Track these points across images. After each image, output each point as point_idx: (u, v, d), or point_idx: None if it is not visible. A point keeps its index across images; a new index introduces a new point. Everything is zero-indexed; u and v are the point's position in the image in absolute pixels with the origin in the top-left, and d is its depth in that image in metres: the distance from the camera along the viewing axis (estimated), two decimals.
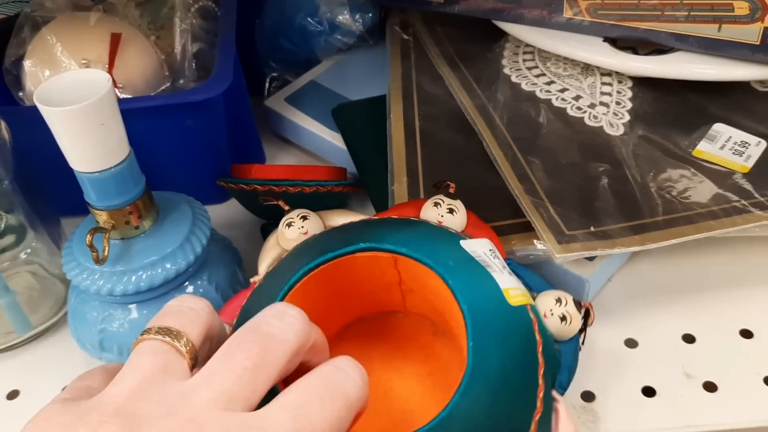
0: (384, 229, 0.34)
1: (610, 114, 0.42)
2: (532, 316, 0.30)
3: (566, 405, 0.29)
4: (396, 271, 0.33)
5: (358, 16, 0.53)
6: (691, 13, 0.40)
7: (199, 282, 0.37)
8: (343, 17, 0.53)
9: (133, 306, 0.36)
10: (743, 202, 0.36)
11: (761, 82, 0.44)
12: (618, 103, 0.43)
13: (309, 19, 0.53)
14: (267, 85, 0.54)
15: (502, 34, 0.49)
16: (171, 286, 0.36)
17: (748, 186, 0.37)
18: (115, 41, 0.44)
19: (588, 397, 0.36)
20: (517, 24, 0.46)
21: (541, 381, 0.28)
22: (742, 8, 0.39)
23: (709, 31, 0.40)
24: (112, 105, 0.31)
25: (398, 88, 0.47)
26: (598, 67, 0.46)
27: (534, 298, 0.31)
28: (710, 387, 0.36)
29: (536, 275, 0.34)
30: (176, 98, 0.42)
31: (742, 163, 0.38)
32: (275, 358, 0.22)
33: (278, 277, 0.32)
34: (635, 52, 0.44)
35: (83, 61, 0.44)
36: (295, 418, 0.20)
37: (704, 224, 0.35)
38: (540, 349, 0.29)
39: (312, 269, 0.32)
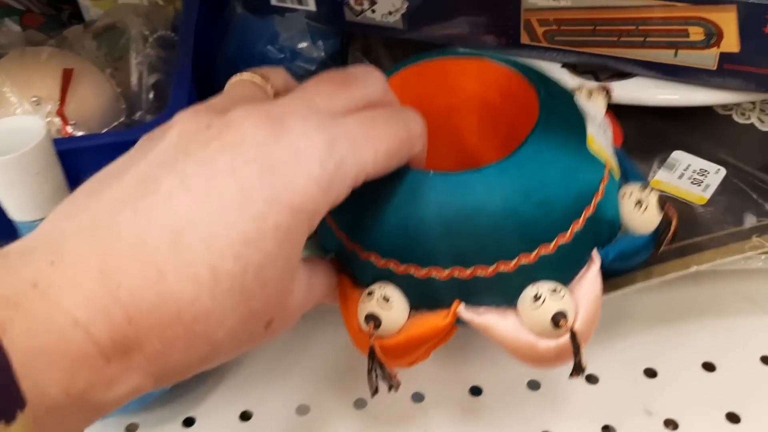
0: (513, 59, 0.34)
1: None
2: (605, 173, 0.30)
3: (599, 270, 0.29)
4: (510, 95, 0.34)
5: (319, 43, 0.53)
6: (647, 39, 0.40)
7: None
8: (304, 44, 0.52)
9: None
10: (701, 238, 0.36)
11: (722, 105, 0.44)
12: None
13: (270, 46, 0.52)
14: None
15: None
16: None
17: (705, 219, 0.37)
18: (67, 77, 0.44)
19: None
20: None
21: (582, 219, 0.28)
22: (697, 34, 0.38)
23: (665, 56, 0.40)
24: (47, 153, 0.31)
25: None
26: None
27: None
28: (671, 424, 0.35)
29: (642, 175, 0.33)
30: (126, 135, 0.41)
31: (700, 193, 0.38)
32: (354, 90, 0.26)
33: None
34: (595, 77, 0.43)
35: (33, 99, 0.43)
36: (363, 122, 0.25)
37: (660, 268, 0.35)
38: (596, 199, 0.29)
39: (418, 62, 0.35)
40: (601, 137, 0.31)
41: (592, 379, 0.37)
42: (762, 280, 0.39)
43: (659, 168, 0.40)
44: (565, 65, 0.44)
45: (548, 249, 0.28)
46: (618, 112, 0.39)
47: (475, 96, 0.36)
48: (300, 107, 0.24)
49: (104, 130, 0.45)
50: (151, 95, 0.48)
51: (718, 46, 0.38)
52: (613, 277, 0.33)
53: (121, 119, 0.46)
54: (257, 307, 0.22)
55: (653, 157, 0.41)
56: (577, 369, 0.27)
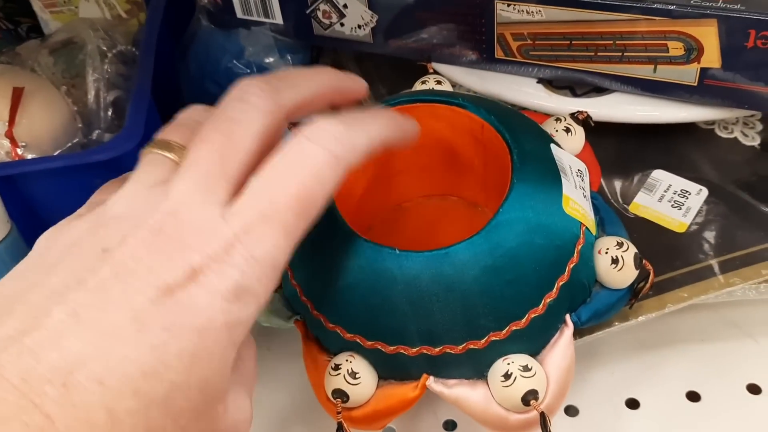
0: (488, 103, 0.33)
1: None
2: (581, 235, 0.29)
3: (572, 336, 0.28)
4: (481, 143, 0.32)
5: (288, 57, 0.51)
6: (625, 54, 0.38)
7: None
8: (271, 59, 0.50)
9: None
10: (679, 272, 0.34)
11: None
12: None
13: (235, 61, 0.50)
14: None
15: (438, 73, 0.46)
16: None
17: (684, 250, 0.35)
18: (17, 96, 0.41)
19: None
20: (449, 65, 0.44)
21: (555, 289, 0.27)
22: (677, 48, 0.37)
23: (644, 72, 0.38)
24: None
25: None
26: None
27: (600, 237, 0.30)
28: None
29: (620, 223, 0.32)
30: (80, 158, 0.39)
31: (680, 219, 0.36)
32: (240, 141, 0.22)
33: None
34: (573, 92, 0.42)
35: None
36: (259, 202, 0.21)
37: (636, 309, 0.33)
38: (571, 265, 0.28)
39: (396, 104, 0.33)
40: (576, 193, 0.30)
41: (571, 411, 0.35)
42: (746, 304, 0.37)
43: (640, 186, 0.38)
44: (540, 80, 0.42)
45: (520, 324, 0.27)
46: (597, 128, 0.38)
47: (447, 139, 0.34)
48: (192, 204, 0.21)
49: (58, 152, 0.43)
50: (110, 113, 0.46)
51: (699, 62, 0.36)
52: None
53: (77, 139, 0.44)
54: None
55: (633, 174, 0.39)
56: None
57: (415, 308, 0.27)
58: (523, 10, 0.39)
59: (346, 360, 0.28)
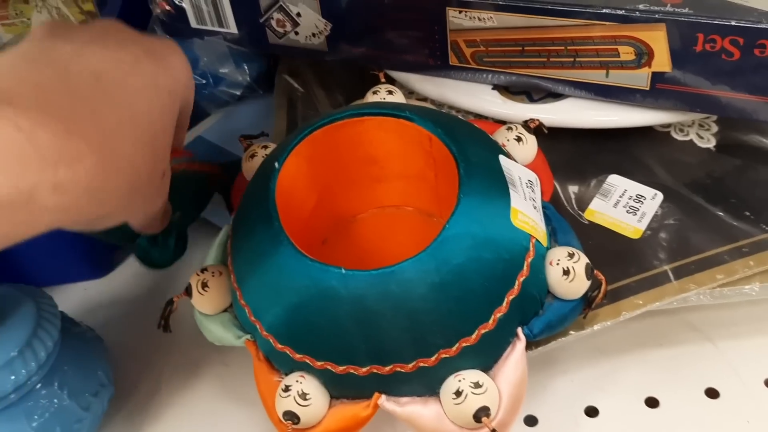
0: (435, 115, 0.33)
1: None
2: (531, 247, 0.28)
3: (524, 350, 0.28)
4: (431, 155, 0.32)
5: (245, 66, 0.50)
6: (577, 59, 0.38)
7: (46, 390, 0.33)
8: (227, 68, 0.49)
9: None
10: (633, 278, 0.34)
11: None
12: None
13: None
14: None
15: (392, 81, 0.46)
16: (12, 399, 0.32)
17: (639, 256, 0.35)
18: None
19: None
20: (405, 72, 0.44)
21: (504, 304, 0.27)
22: (627, 53, 0.36)
23: (596, 76, 0.38)
24: None
25: (281, 140, 0.44)
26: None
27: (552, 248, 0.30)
28: None
29: (572, 233, 0.32)
30: None
31: (635, 225, 0.36)
32: None
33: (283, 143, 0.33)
34: (529, 97, 0.42)
35: None
36: None
37: (591, 317, 0.33)
38: (521, 278, 0.27)
39: (326, 124, 0.32)
40: (526, 205, 0.29)
41: (531, 421, 0.35)
42: (705, 307, 0.37)
43: (595, 192, 0.38)
44: (496, 87, 0.42)
45: (470, 341, 0.27)
46: (553, 132, 0.38)
47: (397, 151, 0.34)
48: None
49: None
50: None
51: (650, 66, 0.36)
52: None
53: None
54: None
55: (589, 179, 0.39)
56: None
57: (362, 327, 0.27)
58: (474, 17, 0.39)
59: (297, 381, 0.28)
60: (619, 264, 0.35)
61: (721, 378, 0.36)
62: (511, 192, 0.29)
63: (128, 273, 0.46)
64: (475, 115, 0.43)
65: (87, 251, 0.44)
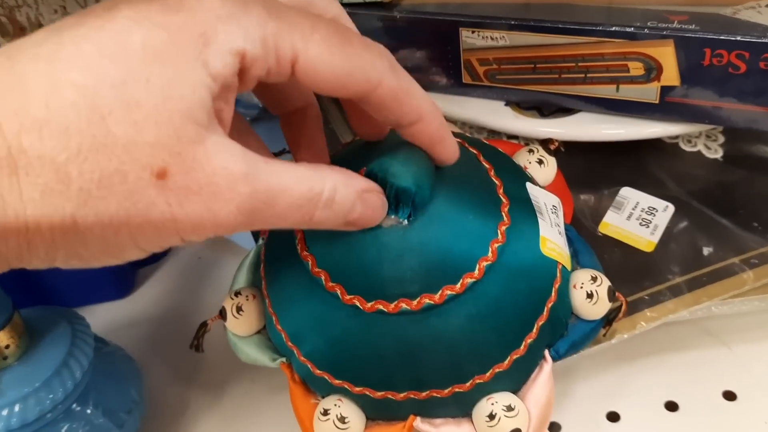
0: (471, 142, 0.32)
1: None
2: (558, 274, 0.29)
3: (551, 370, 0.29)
4: None
5: None
6: (588, 75, 0.39)
7: (81, 408, 0.34)
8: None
9: None
10: (648, 291, 0.35)
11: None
12: None
13: None
14: None
15: None
16: (49, 419, 0.32)
17: (653, 268, 0.36)
18: None
19: None
20: None
21: (535, 330, 0.28)
22: (637, 68, 0.38)
23: (607, 91, 0.39)
24: None
25: None
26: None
27: (574, 270, 0.31)
28: None
29: (593, 254, 0.33)
30: None
31: (648, 237, 0.37)
32: None
33: None
34: (540, 113, 0.43)
35: None
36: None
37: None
38: (549, 304, 0.28)
39: None
40: (552, 231, 0.30)
41: (554, 428, 0.36)
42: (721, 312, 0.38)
43: (608, 204, 0.39)
44: (508, 103, 0.43)
45: (503, 366, 0.28)
46: (565, 146, 0.39)
47: None
48: None
49: None
50: None
51: (659, 80, 0.38)
52: None
53: None
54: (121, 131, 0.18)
55: (602, 192, 0.40)
56: None
57: (402, 358, 0.27)
58: (487, 36, 0.40)
59: (335, 405, 0.29)
60: (633, 277, 0.36)
61: (737, 381, 0.37)
62: (540, 221, 0.30)
63: (151, 293, 0.47)
64: (489, 131, 0.44)
65: (110, 271, 0.45)
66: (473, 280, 0.27)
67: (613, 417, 0.36)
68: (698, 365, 0.38)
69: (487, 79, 0.42)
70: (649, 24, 0.36)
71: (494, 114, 0.43)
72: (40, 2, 0.52)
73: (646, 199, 0.39)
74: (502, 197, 0.29)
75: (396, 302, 0.26)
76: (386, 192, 0.25)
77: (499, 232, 0.28)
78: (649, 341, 0.38)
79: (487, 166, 0.30)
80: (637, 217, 0.38)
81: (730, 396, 0.36)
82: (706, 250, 0.37)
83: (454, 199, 0.27)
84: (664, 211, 0.38)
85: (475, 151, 0.31)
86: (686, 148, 0.43)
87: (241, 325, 0.32)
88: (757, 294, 0.36)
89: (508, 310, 0.27)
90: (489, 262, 0.27)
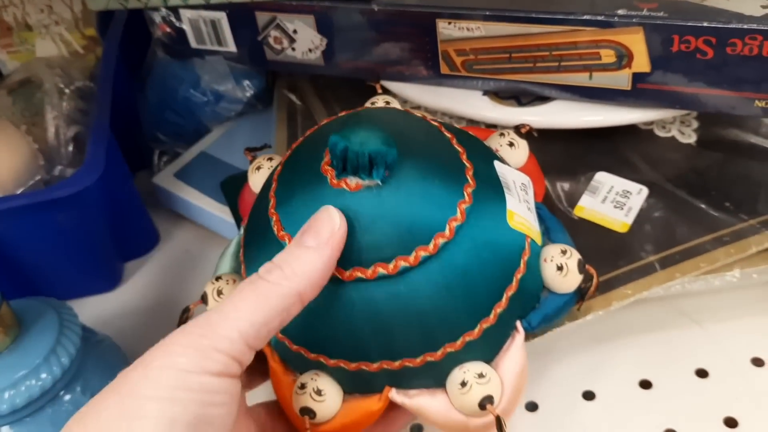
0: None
1: None
2: (527, 246, 0.30)
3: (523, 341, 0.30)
4: None
5: (245, 83, 0.52)
6: (562, 64, 0.40)
7: (70, 396, 0.34)
8: (227, 86, 0.51)
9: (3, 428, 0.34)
10: (622, 270, 0.36)
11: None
12: None
13: (192, 90, 0.51)
14: (156, 159, 0.53)
15: (387, 91, 0.48)
16: (39, 404, 0.33)
17: (627, 248, 0.37)
18: None
19: None
20: (400, 82, 0.46)
21: (504, 299, 0.29)
22: (608, 56, 0.39)
23: (581, 79, 0.40)
24: None
25: (283, 153, 0.46)
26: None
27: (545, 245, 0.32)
28: None
29: (565, 231, 0.34)
30: (40, 195, 0.40)
31: (622, 219, 0.38)
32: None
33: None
34: (518, 101, 0.44)
35: None
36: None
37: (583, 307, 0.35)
38: (518, 275, 0.29)
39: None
40: (521, 207, 0.31)
41: (532, 407, 0.37)
42: (693, 293, 0.39)
43: (584, 189, 0.40)
44: (486, 92, 0.44)
45: (473, 335, 0.29)
46: (543, 134, 0.40)
47: None
48: None
49: (21, 190, 0.43)
50: (70, 148, 0.47)
51: (630, 67, 0.38)
52: None
53: (39, 176, 0.45)
54: None
55: (578, 178, 0.41)
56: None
57: (373, 328, 0.28)
58: (463, 27, 0.41)
59: (311, 379, 0.30)
60: (608, 257, 0.37)
61: (709, 358, 0.38)
62: (507, 195, 0.31)
63: (138, 285, 0.48)
64: (468, 120, 0.45)
65: (98, 264, 0.46)
66: (445, 240, 0.27)
67: (588, 395, 0.37)
68: (671, 344, 0.39)
69: (464, 69, 0.43)
70: (619, 12, 0.37)
71: (473, 103, 0.43)
72: (26, 2, 0.53)
73: (620, 183, 0.40)
74: (470, 179, 0.30)
75: (373, 267, 0.27)
76: (353, 159, 0.27)
77: (465, 193, 0.29)
78: (624, 321, 0.39)
79: (459, 149, 0.31)
80: (612, 200, 0.39)
81: (702, 373, 0.37)
82: (679, 230, 0.38)
83: (421, 166, 0.28)
84: (638, 193, 0.39)
85: (449, 135, 0.32)
86: (661, 133, 0.44)
87: None
88: (728, 270, 0.37)
89: (474, 279, 0.28)
90: (458, 223, 0.28)
